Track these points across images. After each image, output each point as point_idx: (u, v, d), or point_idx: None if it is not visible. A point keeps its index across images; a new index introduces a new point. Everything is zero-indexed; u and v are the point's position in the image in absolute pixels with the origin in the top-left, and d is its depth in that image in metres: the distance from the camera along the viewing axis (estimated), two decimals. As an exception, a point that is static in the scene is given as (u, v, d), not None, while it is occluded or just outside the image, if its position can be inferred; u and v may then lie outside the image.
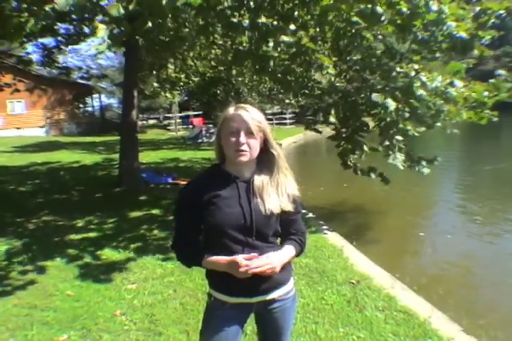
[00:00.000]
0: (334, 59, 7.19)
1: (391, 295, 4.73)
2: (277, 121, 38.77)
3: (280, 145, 2.25)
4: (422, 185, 11.74)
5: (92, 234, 7.00)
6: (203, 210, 2.06)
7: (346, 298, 4.65)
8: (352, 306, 4.45)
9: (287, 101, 29.78)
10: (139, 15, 5.20)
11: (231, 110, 2.08)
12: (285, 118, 39.95)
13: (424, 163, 7.22)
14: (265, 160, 2.15)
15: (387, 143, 7.03)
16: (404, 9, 5.99)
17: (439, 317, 4.30)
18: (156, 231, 7.13)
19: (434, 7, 6.00)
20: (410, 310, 4.33)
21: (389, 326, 4.03)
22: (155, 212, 8.40)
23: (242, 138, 2.01)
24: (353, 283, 5.03)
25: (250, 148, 2.04)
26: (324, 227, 7.60)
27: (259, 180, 2.12)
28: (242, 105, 2.10)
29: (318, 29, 6.72)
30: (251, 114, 2.04)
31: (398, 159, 6.88)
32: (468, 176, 14.06)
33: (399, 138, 6.98)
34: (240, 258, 1.95)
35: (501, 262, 6.66)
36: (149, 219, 7.88)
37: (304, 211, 2.37)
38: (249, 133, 2.02)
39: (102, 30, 4.52)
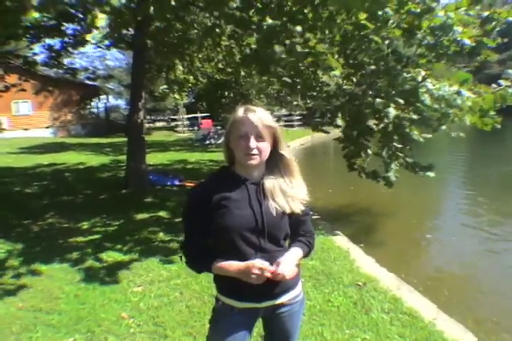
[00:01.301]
0: (342, 62, 7.17)
1: (397, 297, 4.71)
2: (285, 123, 38.69)
3: (288, 147, 2.23)
4: (429, 187, 11.69)
5: (97, 236, 6.98)
6: (212, 213, 2.03)
7: (352, 299, 4.64)
8: (358, 308, 4.45)
9: (295, 103, 29.76)
10: (141, 2, 5.20)
11: (240, 112, 2.04)
12: (292, 120, 39.86)
13: (420, 172, 7.21)
14: (275, 162, 2.13)
15: (384, 154, 7.06)
16: (413, 9, 5.99)
17: (445, 320, 4.30)
18: (162, 234, 7.09)
19: (441, 13, 6.01)
20: (416, 312, 4.33)
21: (395, 328, 4.02)
22: (161, 214, 8.37)
23: (252, 142, 1.98)
24: (359, 285, 5.02)
25: (260, 152, 2.01)
26: (331, 229, 7.59)
27: (270, 182, 2.10)
28: (252, 107, 2.06)
29: (326, 32, 6.70)
30: (261, 117, 2.00)
31: (392, 170, 6.93)
32: (475, 178, 13.99)
33: (398, 145, 6.99)
34: (258, 262, 1.92)
35: (507, 265, 6.63)
36: (155, 221, 7.86)
37: (311, 213, 2.35)
38: (259, 137, 2.00)
39: (102, 20, 4.52)
